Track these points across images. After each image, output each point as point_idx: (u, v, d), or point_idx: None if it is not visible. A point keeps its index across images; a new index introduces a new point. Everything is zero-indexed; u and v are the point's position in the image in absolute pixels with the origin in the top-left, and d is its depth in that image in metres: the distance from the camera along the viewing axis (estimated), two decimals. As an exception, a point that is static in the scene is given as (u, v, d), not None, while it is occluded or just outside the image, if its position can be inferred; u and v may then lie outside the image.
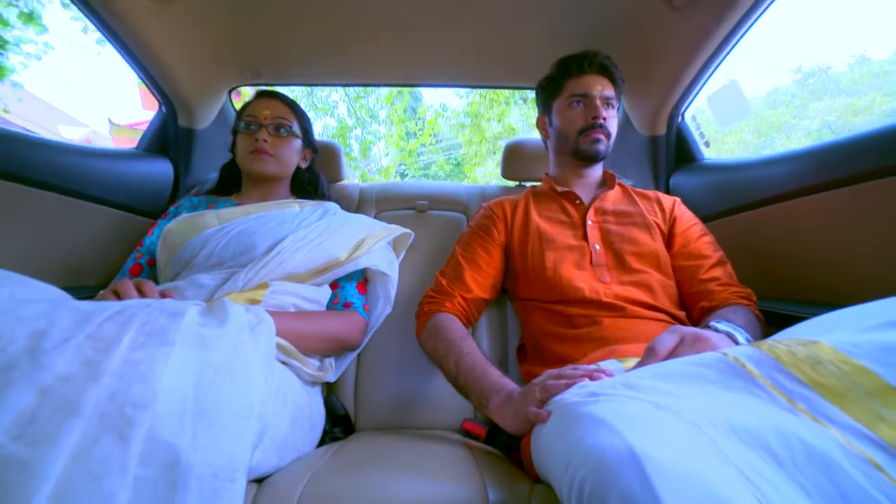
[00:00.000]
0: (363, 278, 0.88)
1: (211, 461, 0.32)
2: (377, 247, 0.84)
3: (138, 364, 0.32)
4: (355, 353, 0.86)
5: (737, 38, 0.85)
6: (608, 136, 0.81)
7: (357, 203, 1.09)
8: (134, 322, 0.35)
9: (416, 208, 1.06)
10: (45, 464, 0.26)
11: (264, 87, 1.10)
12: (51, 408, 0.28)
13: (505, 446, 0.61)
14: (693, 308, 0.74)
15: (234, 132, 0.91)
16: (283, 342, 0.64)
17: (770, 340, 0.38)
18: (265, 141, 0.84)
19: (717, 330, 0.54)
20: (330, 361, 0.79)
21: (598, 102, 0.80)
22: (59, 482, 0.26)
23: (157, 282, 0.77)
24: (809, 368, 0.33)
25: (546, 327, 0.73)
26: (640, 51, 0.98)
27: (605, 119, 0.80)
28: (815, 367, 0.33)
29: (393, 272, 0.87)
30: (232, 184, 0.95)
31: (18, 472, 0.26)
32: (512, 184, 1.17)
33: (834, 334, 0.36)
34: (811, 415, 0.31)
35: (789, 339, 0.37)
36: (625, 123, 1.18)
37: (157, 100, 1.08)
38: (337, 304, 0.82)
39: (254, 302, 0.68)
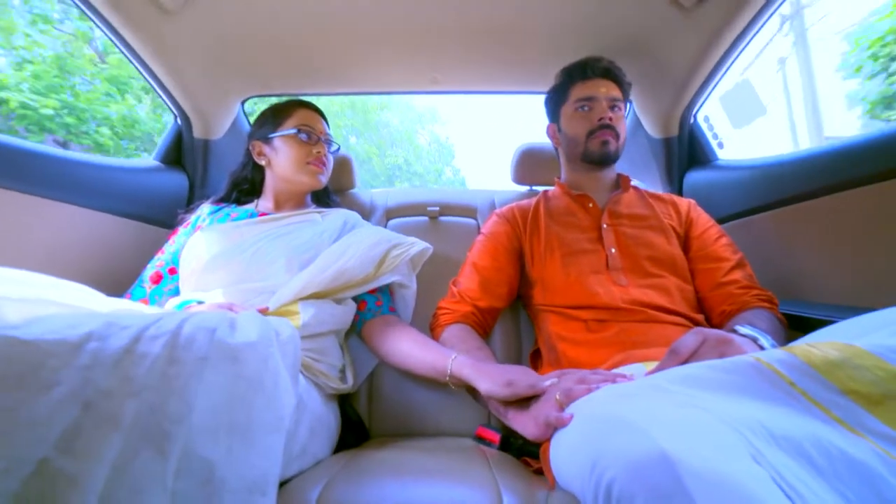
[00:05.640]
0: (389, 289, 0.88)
1: (244, 475, 0.33)
2: (401, 261, 0.82)
3: (174, 378, 0.32)
4: (375, 362, 0.85)
5: (748, 37, 0.84)
6: (617, 136, 0.80)
7: (369, 210, 1.10)
8: (169, 335, 0.35)
9: (427, 214, 1.06)
10: (91, 478, 0.27)
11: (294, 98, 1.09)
12: (94, 422, 0.29)
13: (519, 453, 0.61)
14: (713, 312, 0.73)
15: (262, 138, 0.87)
16: (305, 359, 0.63)
17: (804, 344, 0.37)
18: (325, 155, 0.86)
19: (740, 334, 0.53)
20: (349, 372, 0.79)
21: (604, 104, 0.80)
22: (101, 496, 0.27)
23: (178, 292, 0.78)
24: (844, 375, 0.33)
25: (561, 332, 0.72)
26: (650, 52, 0.97)
27: (611, 119, 0.79)
28: (849, 374, 0.33)
29: (413, 283, 0.88)
30: (249, 191, 0.93)
31: (67, 487, 0.26)
32: (523, 188, 1.16)
33: (869, 338, 0.35)
34: (848, 425, 0.30)
35: (823, 341, 0.36)
36: (636, 126, 1.17)
37: (172, 111, 1.10)
38: (381, 305, 0.81)
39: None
